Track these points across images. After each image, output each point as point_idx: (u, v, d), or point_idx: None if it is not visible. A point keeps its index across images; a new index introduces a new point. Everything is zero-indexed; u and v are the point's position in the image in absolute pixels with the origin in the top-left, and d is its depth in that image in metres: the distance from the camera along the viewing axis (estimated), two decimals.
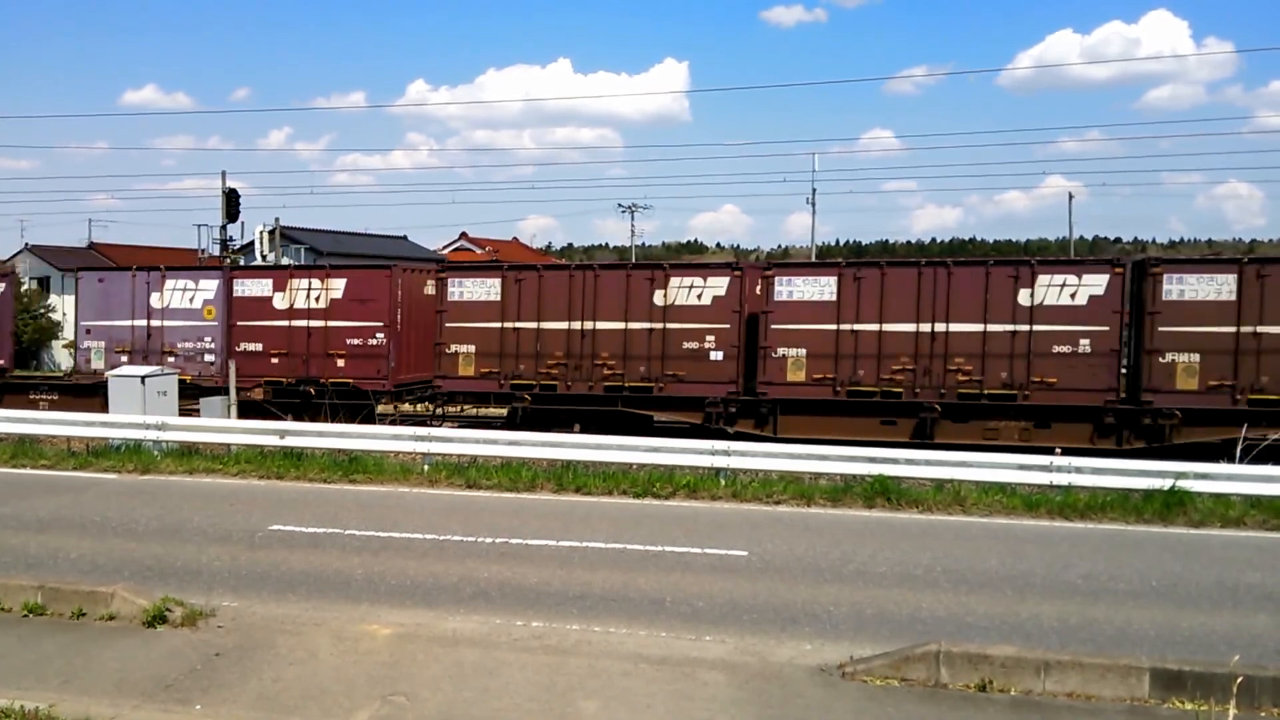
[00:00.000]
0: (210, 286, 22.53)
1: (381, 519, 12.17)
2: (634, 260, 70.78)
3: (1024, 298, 18.12)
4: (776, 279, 18.99)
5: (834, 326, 18.70)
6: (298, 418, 20.30)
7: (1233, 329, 17.30)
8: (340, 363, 21.56)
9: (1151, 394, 17.61)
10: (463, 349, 20.48)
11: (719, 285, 19.39)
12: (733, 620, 8.46)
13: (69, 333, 51.41)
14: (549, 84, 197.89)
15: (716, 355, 19.23)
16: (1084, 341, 17.94)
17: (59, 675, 7.00)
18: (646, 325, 19.55)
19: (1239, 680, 6.41)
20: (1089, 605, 9.00)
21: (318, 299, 21.70)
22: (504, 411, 21.38)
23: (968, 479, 13.87)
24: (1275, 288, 17.32)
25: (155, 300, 22.62)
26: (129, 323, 22.73)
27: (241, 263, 37.62)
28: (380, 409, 22.68)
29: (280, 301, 22.03)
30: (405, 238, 63.85)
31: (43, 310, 48.88)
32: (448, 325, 20.58)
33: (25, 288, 49.31)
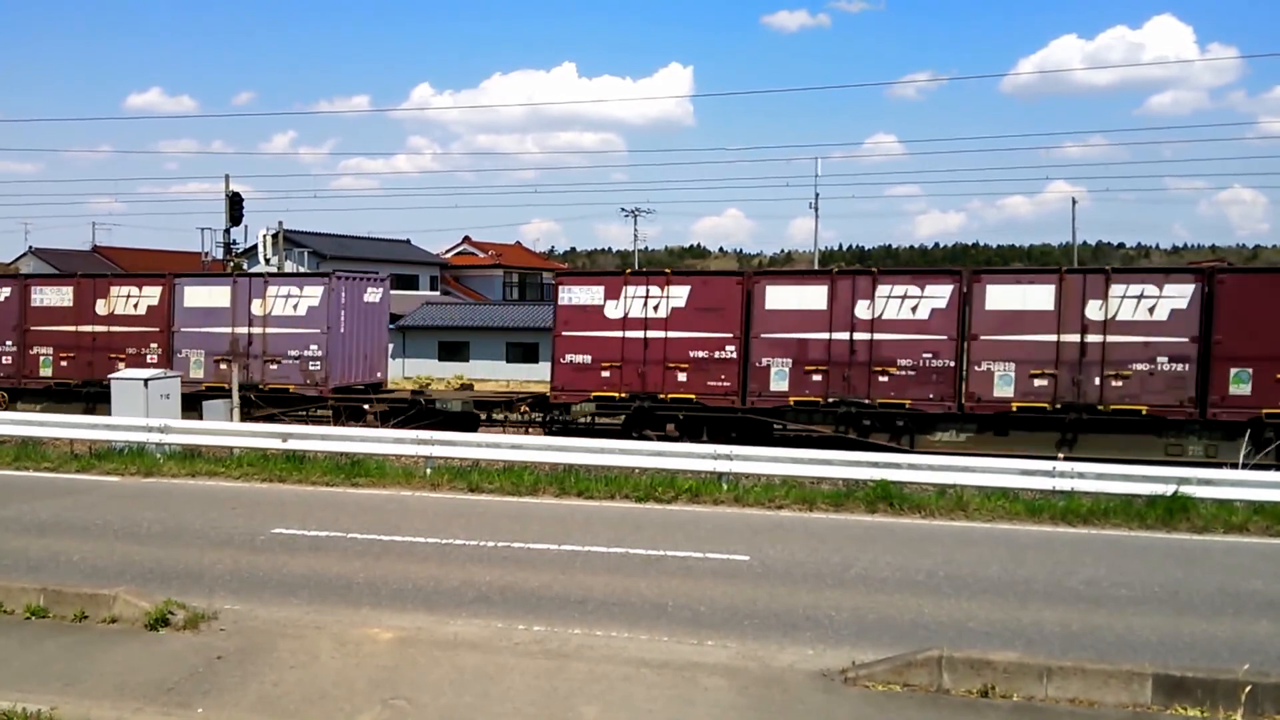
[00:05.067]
0: None
1: (383, 522, 12.17)
2: (636, 265, 70.96)
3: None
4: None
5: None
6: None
7: None
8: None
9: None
10: (43, 350, 24.22)
11: (153, 295, 23.37)
12: (734, 625, 8.45)
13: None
14: (553, 88, 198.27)
15: (153, 357, 23.29)
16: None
17: (61, 678, 7.00)
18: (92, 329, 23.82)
19: (1247, 689, 6.41)
20: (1091, 611, 8.99)
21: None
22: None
23: (970, 484, 13.86)
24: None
25: None
26: None
27: (244, 266, 37.68)
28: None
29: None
30: (408, 241, 64.05)
31: None
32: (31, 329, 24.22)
33: None
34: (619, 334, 20.30)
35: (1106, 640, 8.18)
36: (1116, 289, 17.78)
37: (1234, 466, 15.26)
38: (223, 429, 17.68)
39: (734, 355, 19.53)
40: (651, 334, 20.08)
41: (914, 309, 18.67)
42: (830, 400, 19.06)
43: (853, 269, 20.53)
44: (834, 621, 8.60)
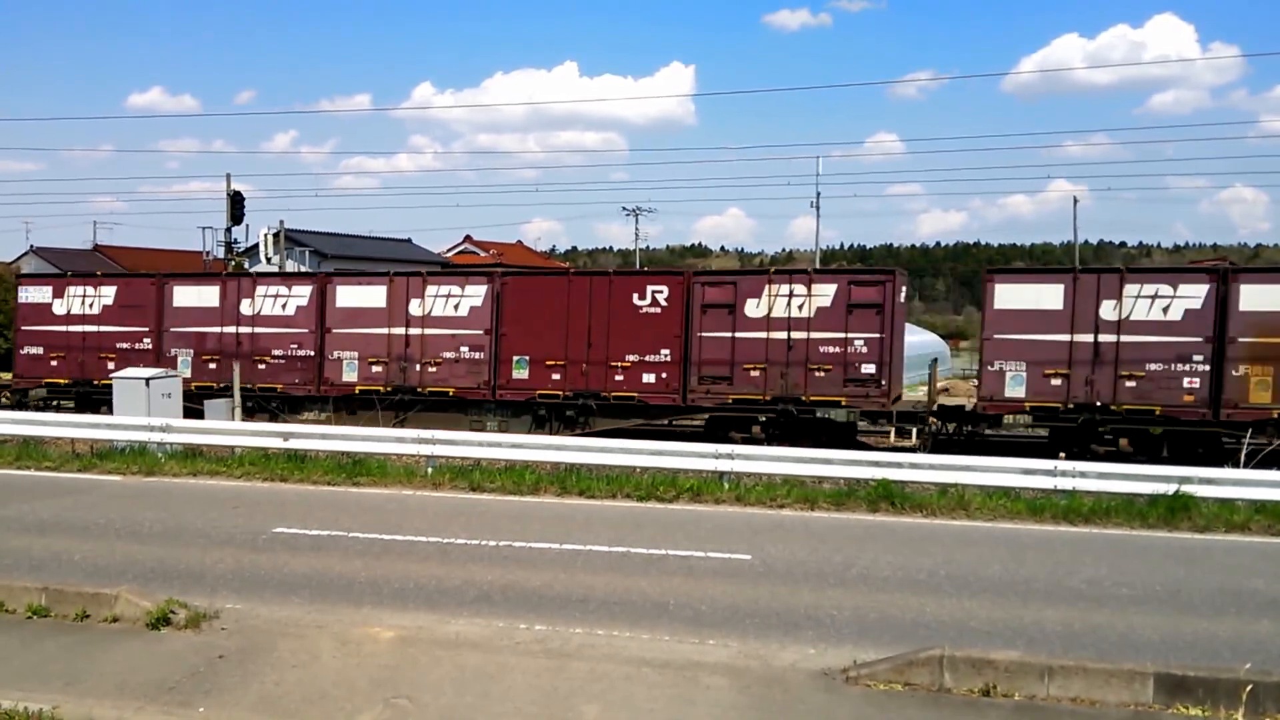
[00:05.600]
0: None
1: (384, 522, 12.17)
2: (638, 264, 70.99)
3: None
4: None
5: None
6: None
7: None
8: None
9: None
10: None
11: None
12: (736, 624, 8.45)
13: None
14: (555, 87, 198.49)
15: None
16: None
17: (62, 677, 7.01)
18: None
19: (1249, 688, 6.40)
20: (1093, 610, 8.98)
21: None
22: None
23: (971, 483, 13.84)
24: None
25: None
26: None
27: (246, 265, 37.70)
28: None
29: None
30: (409, 240, 63.97)
31: None
32: None
33: None
34: (64, 328, 23.58)
35: (1108, 639, 8.18)
36: (431, 289, 21.04)
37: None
38: (224, 428, 17.68)
39: (150, 346, 22.78)
40: (89, 328, 23.38)
41: (284, 306, 22.14)
42: (223, 385, 21.68)
43: (238, 273, 23.61)
44: (835, 621, 8.60)
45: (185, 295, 22.75)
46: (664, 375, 19.59)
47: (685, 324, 19.49)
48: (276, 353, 21.93)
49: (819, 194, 56.77)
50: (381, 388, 20.96)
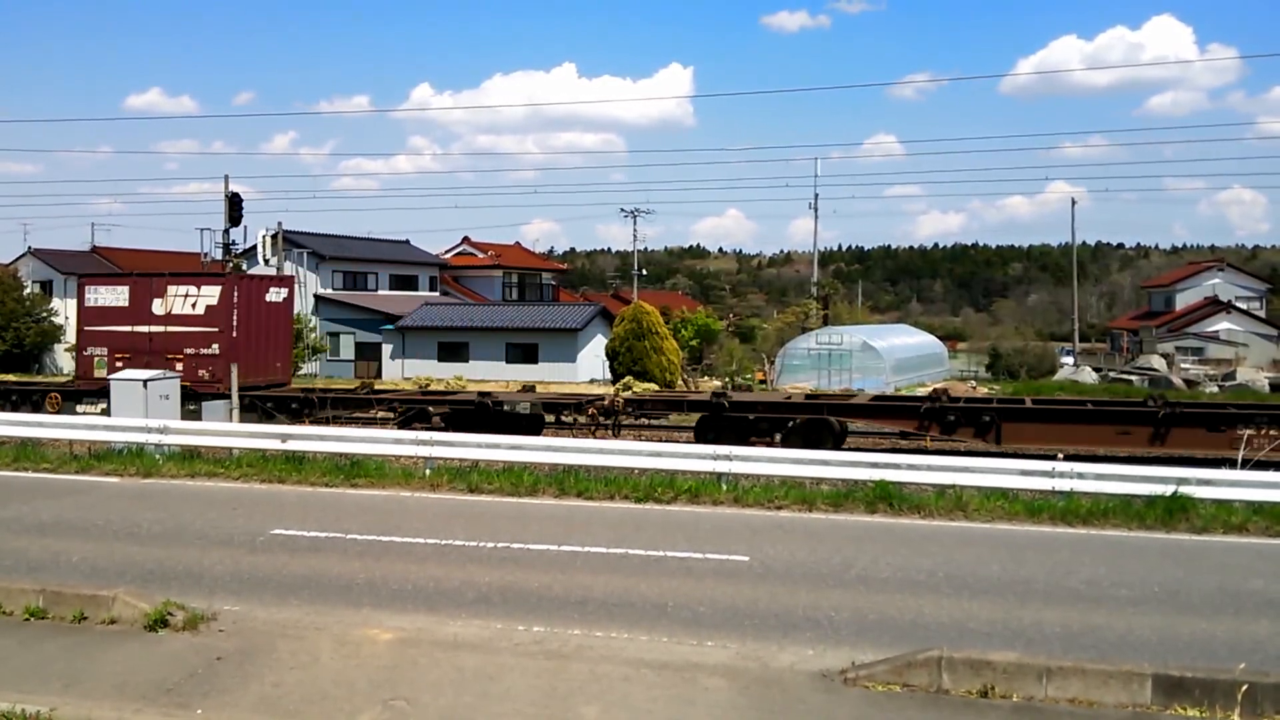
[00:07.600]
0: None
1: (383, 523, 12.17)
2: (636, 265, 70.82)
3: None
4: None
5: None
6: None
7: None
8: None
9: None
10: None
11: None
12: (734, 625, 8.45)
13: (71, 336, 51.77)
14: (553, 88, 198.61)
15: None
16: None
17: (60, 678, 7.00)
18: None
19: (1244, 688, 6.42)
20: (1091, 611, 8.99)
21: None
22: None
23: (969, 484, 13.84)
24: None
25: None
26: None
27: (244, 267, 37.67)
28: None
29: None
30: (407, 242, 63.97)
31: (45, 314, 49.07)
32: None
33: (28, 291, 49.59)
34: None
35: (1106, 640, 8.18)
36: None
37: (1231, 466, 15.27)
38: (222, 430, 17.68)
39: None
40: None
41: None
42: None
43: None
44: (834, 622, 8.61)
45: None
46: None
47: None
48: None
49: (817, 195, 56.89)
50: None
